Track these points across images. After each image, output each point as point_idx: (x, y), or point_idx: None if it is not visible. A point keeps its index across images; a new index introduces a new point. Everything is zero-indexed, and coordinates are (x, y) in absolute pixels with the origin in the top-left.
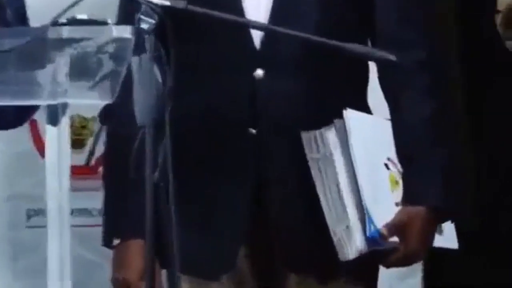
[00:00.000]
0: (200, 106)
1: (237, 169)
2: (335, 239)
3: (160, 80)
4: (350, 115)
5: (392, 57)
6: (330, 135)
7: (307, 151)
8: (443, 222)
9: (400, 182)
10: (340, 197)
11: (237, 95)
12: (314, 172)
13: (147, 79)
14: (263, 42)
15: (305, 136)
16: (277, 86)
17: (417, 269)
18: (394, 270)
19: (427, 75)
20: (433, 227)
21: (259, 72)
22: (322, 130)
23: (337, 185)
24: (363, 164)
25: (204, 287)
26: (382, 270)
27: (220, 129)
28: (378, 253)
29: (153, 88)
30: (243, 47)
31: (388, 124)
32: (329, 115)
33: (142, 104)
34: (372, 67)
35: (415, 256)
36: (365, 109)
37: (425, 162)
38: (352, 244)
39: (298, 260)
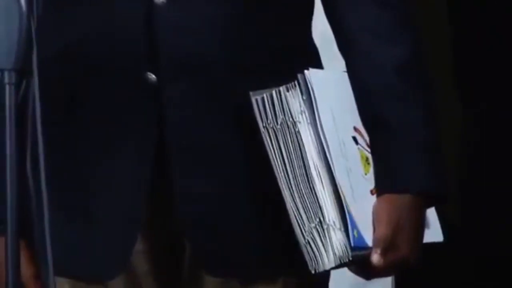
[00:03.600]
0: (80, 43)
1: (131, 131)
2: (302, 242)
3: (24, 6)
4: (312, 74)
5: None
6: (294, 96)
7: (258, 117)
8: (428, 207)
9: (371, 159)
10: (310, 183)
11: (128, 25)
12: (269, 147)
13: (7, 5)
14: None
15: (256, 97)
16: (184, 13)
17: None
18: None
19: (395, 2)
20: (422, 218)
21: None
22: (282, 89)
23: (305, 166)
24: (333, 139)
25: None
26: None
27: (106, 75)
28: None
29: (16, 17)
30: None
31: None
32: (259, 54)
33: None
34: None
35: (408, 261)
36: (309, 48)
37: (400, 124)
38: (328, 248)
39: (217, 257)
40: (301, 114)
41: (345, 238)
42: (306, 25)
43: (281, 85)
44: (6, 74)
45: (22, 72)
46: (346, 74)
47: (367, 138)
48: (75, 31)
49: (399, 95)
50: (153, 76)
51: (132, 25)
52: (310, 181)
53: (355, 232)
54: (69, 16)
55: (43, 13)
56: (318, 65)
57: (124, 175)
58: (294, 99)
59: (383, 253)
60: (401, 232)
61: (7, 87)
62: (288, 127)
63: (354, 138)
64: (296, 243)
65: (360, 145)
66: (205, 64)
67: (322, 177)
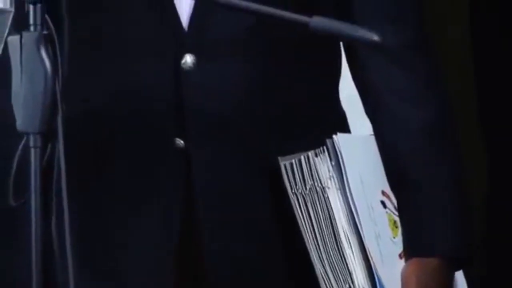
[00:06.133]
0: (105, 105)
1: (159, 194)
2: None
3: (49, 68)
4: (340, 139)
5: (376, 37)
6: (322, 162)
7: (286, 183)
8: (456, 270)
9: (399, 223)
10: (339, 247)
11: (157, 92)
12: (298, 213)
13: (32, 67)
14: (193, 18)
15: (284, 162)
16: (212, 79)
17: None
18: None
19: (422, 63)
20: (451, 282)
21: (188, 60)
22: (310, 154)
23: (334, 231)
24: (361, 204)
25: None
26: None
27: (132, 138)
28: None
29: (41, 79)
30: (164, 25)
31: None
32: (286, 116)
33: (24, 103)
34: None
35: None
36: (336, 111)
37: (426, 186)
38: None
39: None
40: (330, 180)
41: None
42: (332, 87)
43: (309, 146)
44: (31, 137)
45: (47, 135)
46: (373, 137)
47: (395, 202)
48: (100, 94)
49: (425, 158)
50: (181, 141)
51: (159, 90)
52: (339, 246)
53: None
54: (94, 78)
55: (68, 74)
56: (345, 127)
57: (151, 238)
58: (322, 165)
59: None
60: None
61: (32, 150)
62: (317, 193)
63: (383, 202)
64: None
65: (388, 208)
66: (232, 127)
67: (351, 241)
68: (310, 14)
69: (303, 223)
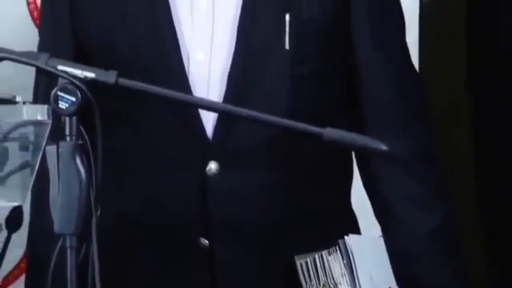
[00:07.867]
0: (136, 210)
1: None
2: None
3: (84, 176)
4: (351, 239)
5: (384, 147)
6: (335, 260)
7: (302, 280)
8: None
9: None
10: None
11: (183, 196)
12: None
13: (68, 175)
14: (217, 128)
15: (300, 261)
16: (234, 184)
17: None
18: None
19: (431, 173)
20: None
21: (212, 167)
22: (324, 253)
23: None
24: None
25: None
26: None
27: (161, 240)
28: None
29: (76, 185)
30: (191, 135)
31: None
32: (302, 221)
33: (61, 207)
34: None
35: None
36: (348, 214)
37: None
38: None
39: None
40: (342, 277)
41: None
42: (345, 193)
43: (322, 246)
44: (67, 238)
45: (82, 236)
46: (381, 239)
47: None
48: (132, 199)
49: (432, 261)
50: (206, 241)
51: (185, 195)
52: None
53: None
54: (125, 186)
55: (101, 182)
56: (356, 229)
57: None
58: (335, 263)
59: None
60: None
61: (68, 250)
62: None
63: None
64: None
65: None
66: (254, 229)
67: None
68: (325, 123)
69: None
